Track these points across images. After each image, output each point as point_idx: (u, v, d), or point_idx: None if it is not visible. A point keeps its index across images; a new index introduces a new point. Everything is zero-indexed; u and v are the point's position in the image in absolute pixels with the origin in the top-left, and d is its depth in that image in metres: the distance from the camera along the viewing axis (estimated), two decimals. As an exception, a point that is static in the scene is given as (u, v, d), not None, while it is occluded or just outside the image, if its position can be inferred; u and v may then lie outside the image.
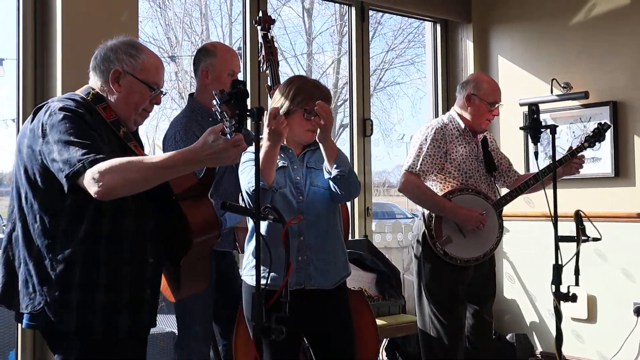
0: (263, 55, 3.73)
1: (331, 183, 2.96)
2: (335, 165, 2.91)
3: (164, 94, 2.48)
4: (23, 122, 2.35)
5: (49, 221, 2.22)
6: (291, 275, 2.88)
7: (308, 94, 2.97)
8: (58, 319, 2.20)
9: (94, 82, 2.40)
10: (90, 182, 2.07)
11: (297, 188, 2.99)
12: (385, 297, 4.87)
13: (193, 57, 3.57)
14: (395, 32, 13.89)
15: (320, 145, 2.95)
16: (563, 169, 3.84)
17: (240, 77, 3.89)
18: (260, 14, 3.81)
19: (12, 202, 2.32)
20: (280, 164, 2.99)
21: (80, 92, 2.38)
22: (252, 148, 2.94)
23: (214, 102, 2.16)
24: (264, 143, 2.83)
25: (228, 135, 2.07)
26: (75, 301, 2.20)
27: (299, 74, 12.77)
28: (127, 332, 2.30)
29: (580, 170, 3.88)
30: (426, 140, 3.78)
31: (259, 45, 3.78)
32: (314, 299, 2.96)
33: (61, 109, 2.22)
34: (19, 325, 3.50)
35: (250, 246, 3.03)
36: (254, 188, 2.74)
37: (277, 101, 3.01)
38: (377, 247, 5.17)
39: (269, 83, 3.74)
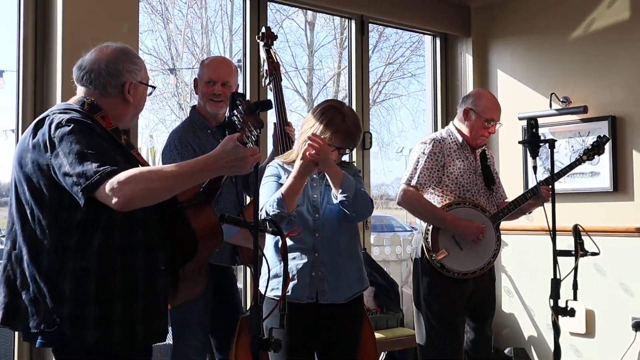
0: (266, 70, 3.76)
1: (340, 206, 2.99)
2: (340, 191, 2.94)
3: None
4: (22, 133, 2.31)
5: (59, 236, 2.17)
6: (304, 289, 2.96)
7: (335, 126, 2.98)
8: (75, 335, 2.15)
9: (89, 92, 2.36)
10: (109, 193, 2.05)
11: (314, 206, 3.03)
12: (384, 310, 4.86)
13: None
14: (396, 44, 13.93)
15: (325, 173, 2.98)
16: (529, 205, 3.85)
17: (240, 89, 3.92)
18: (264, 30, 3.84)
19: (11, 218, 2.27)
20: None
21: (73, 104, 2.34)
22: (275, 162, 3.05)
23: (236, 112, 2.16)
24: (293, 172, 2.88)
25: (247, 145, 2.10)
26: (92, 315, 2.16)
27: (300, 87, 12.80)
28: (144, 342, 2.29)
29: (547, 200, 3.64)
30: (424, 153, 3.79)
31: (262, 60, 3.81)
32: (327, 312, 3.00)
33: (69, 120, 2.17)
34: (16, 336, 3.51)
35: (272, 261, 3.00)
36: (274, 212, 2.84)
37: (311, 126, 3.01)
38: (376, 260, 5.17)
39: (272, 98, 3.75)
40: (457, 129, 3.91)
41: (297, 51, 15.65)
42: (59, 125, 2.16)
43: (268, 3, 4.81)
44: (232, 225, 2.52)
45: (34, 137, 2.22)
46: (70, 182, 2.10)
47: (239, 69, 3.78)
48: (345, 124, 2.98)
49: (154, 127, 12.49)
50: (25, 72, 3.65)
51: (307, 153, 2.86)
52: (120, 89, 2.36)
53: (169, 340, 3.91)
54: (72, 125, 2.16)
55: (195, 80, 3.59)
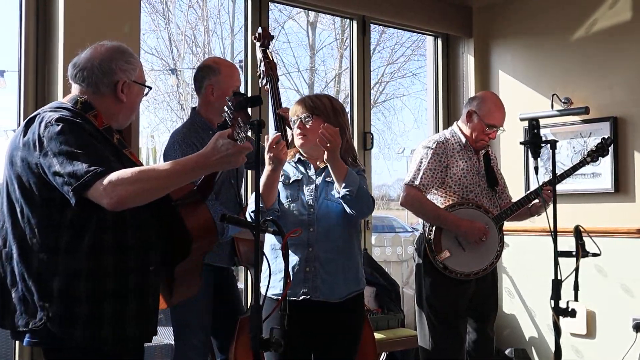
0: (262, 71, 3.75)
1: (342, 202, 2.97)
2: (343, 185, 2.92)
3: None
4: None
5: (49, 235, 2.17)
6: (299, 285, 2.94)
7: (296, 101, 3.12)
8: (64, 334, 2.15)
9: (83, 91, 2.35)
10: (101, 193, 2.05)
11: (309, 201, 3.02)
12: (384, 311, 4.86)
13: (194, 73, 3.57)
14: (397, 44, 13.93)
15: (328, 165, 2.96)
16: (533, 208, 3.85)
17: (242, 89, 3.92)
18: (260, 30, 3.83)
19: (2, 217, 2.27)
20: (293, 178, 3.05)
21: (67, 102, 2.33)
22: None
23: (226, 107, 2.16)
24: (265, 167, 2.89)
25: (238, 141, 2.10)
26: (82, 314, 2.16)
27: (301, 87, 12.86)
28: (135, 342, 2.28)
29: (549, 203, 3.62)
30: (427, 154, 3.79)
31: (259, 61, 3.80)
32: (320, 310, 2.97)
33: (58, 119, 2.16)
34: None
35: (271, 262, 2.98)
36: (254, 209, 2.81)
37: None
38: (377, 261, 5.17)
39: (270, 98, 3.74)
40: (460, 129, 3.91)
41: (298, 52, 15.66)
42: (48, 125, 2.16)
43: (269, 3, 4.82)
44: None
45: (24, 135, 2.21)
46: (61, 182, 2.09)
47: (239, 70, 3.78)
48: (303, 96, 3.10)
49: (155, 127, 12.50)
50: (27, 72, 3.65)
51: (318, 141, 2.89)
52: (113, 87, 2.34)
53: (170, 340, 3.92)
54: (61, 125, 2.15)
55: (210, 86, 3.44)
